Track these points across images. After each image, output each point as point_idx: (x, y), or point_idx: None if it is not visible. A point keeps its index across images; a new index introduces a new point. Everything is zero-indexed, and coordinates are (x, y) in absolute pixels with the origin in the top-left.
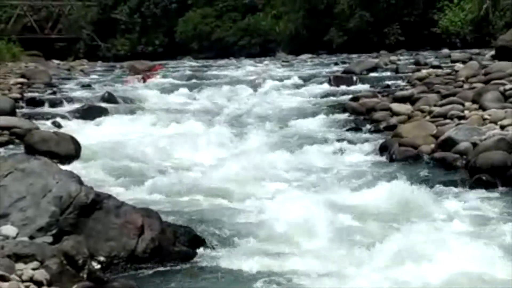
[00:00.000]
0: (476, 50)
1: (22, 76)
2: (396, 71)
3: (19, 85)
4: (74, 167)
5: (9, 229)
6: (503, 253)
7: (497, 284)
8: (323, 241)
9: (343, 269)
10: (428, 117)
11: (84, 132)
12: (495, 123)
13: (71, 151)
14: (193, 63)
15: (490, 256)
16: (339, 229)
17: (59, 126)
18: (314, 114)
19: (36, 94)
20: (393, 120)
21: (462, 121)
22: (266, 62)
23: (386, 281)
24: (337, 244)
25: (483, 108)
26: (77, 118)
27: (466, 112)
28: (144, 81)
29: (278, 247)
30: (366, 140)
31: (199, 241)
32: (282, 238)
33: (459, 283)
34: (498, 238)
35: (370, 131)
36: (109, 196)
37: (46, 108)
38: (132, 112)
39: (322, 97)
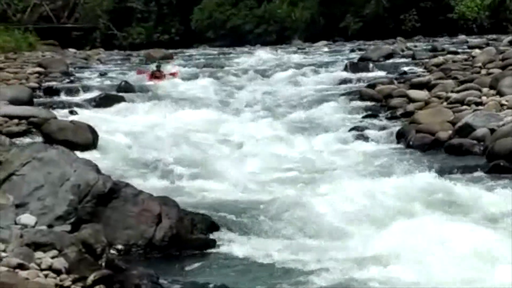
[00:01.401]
0: (493, 36)
1: (39, 65)
2: (413, 57)
3: (36, 74)
4: (92, 155)
5: (28, 218)
6: None
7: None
8: (340, 229)
9: (360, 257)
10: (445, 103)
11: (101, 121)
12: None
13: (88, 140)
14: (209, 51)
15: (507, 240)
16: (357, 216)
17: (76, 115)
18: (331, 101)
19: (53, 83)
20: (410, 106)
21: (479, 107)
22: (282, 49)
23: (403, 268)
24: (354, 233)
25: (500, 94)
26: (94, 107)
27: (483, 98)
28: (156, 77)
29: (295, 235)
30: (383, 127)
31: (217, 229)
32: (299, 226)
33: (476, 266)
34: None
35: (387, 118)
36: (127, 185)
37: (63, 97)
38: (148, 100)
39: (339, 84)
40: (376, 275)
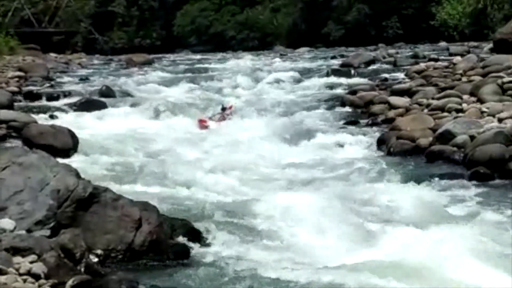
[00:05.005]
0: (474, 43)
1: (20, 69)
2: (394, 64)
3: (16, 79)
4: (72, 160)
5: (7, 223)
6: (500, 245)
7: (492, 275)
8: (319, 235)
9: (341, 265)
10: (426, 110)
11: (81, 125)
12: (493, 116)
13: (69, 144)
14: (191, 57)
15: (486, 248)
16: (337, 223)
17: (56, 119)
18: (312, 107)
19: (33, 88)
20: (391, 113)
21: (460, 114)
22: (264, 55)
23: (382, 274)
24: (335, 239)
25: (481, 101)
26: (75, 111)
27: (464, 105)
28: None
29: (275, 241)
30: (364, 133)
31: (196, 234)
32: (279, 232)
33: (458, 272)
34: (495, 230)
35: (368, 124)
36: (107, 190)
37: (43, 102)
38: (129, 105)
39: (320, 90)
40: (356, 282)
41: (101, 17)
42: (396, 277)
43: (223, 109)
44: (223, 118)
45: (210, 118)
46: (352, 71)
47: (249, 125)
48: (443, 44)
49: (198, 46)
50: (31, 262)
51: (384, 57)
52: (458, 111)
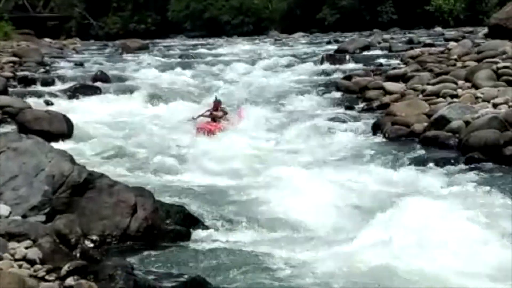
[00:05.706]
0: (469, 28)
1: (14, 54)
2: (389, 49)
3: (11, 64)
4: (67, 145)
5: (2, 208)
6: (493, 230)
7: (485, 257)
8: (314, 219)
9: (336, 248)
10: (421, 96)
11: (76, 111)
12: (488, 101)
13: (64, 130)
14: (186, 42)
15: (479, 232)
16: (332, 207)
17: (51, 104)
18: (307, 93)
19: (28, 73)
20: (386, 98)
21: (454, 100)
22: (259, 40)
23: (377, 257)
24: (330, 224)
25: (475, 86)
26: (70, 97)
27: (459, 90)
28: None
29: (271, 226)
30: (359, 119)
31: (192, 220)
32: (274, 216)
33: (449, 256)
34: (488, 214)
35: (363, 110)
36: (102, 175)
37: (38, 87)
38: (124, 91)
39: (315, 75)
40: (353, 266)
41: (95, 2)
42: (392, 260)
43: (216, 101)
44: (218, 116)
45: (194, 119)
46: (347, 57)
47: (242, 111)
48: (438, 29)
49: (192, 31)
50: (27, 248)
51: (379, 43)
52: (453, 96)
